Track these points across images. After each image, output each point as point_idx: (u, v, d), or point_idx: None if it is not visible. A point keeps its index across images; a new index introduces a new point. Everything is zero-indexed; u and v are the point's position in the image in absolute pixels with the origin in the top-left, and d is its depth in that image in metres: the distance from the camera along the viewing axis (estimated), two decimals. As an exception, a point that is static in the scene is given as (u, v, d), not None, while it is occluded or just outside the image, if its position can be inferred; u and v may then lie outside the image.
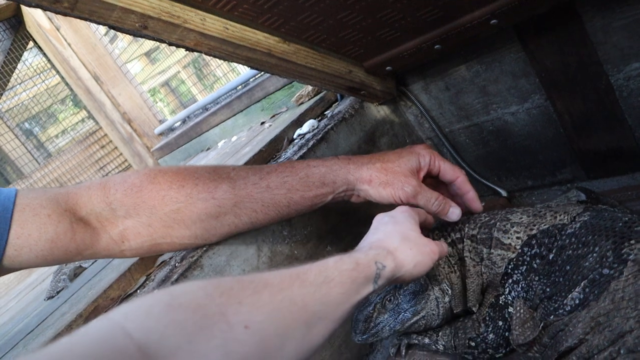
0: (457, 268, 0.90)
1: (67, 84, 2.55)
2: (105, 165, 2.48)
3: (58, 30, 2.29)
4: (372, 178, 0.94)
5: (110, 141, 2.48)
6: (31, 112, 3.00)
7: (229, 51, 0.99)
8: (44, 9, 0.84)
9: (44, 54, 2.46)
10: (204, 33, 0.94)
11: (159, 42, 0.97)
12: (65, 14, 0.86)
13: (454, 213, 0.93)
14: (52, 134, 3.31)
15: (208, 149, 2.00)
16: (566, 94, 1.14)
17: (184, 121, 2.27)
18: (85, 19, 0.88)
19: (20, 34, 2.41)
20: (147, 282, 0.96)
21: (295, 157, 1.10)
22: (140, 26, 0.90)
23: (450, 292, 0.89)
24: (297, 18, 0.95)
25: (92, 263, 1.34)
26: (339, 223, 1.13)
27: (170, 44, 0.98)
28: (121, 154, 2.50)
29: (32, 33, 2.33)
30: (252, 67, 1.08)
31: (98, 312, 0.95)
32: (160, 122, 2.44)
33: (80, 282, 1.22)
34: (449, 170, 0.96)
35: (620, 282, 0.64)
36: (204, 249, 0.91)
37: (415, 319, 0.90)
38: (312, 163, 0.95)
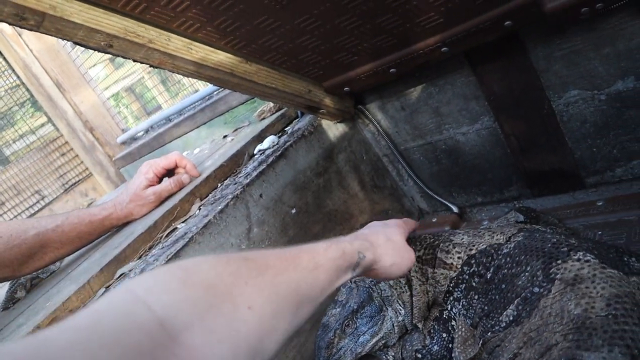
0: (407, 288, 0.95)
1: (27, 89, 2.51)
2: (66, 174, 2.46)
3: (20, 36, 2.26)
4: None
5: (71, 149, 2.46)
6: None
7: (192, 70, 1.03)
8: (11, 24, 0.86)
9: (4, 59, 2.42)
10: (168, 53, 0.98)
11: (124, 58, 1.00)
12: (31, 30, 0.88)
13: None
14: (10, 138, 3.24)
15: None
16: (512, 117, 1.22)
17: (146, 131, 2.27)
18: (52, 35, 0.90)
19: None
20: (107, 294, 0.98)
21: (255, 172, 1.14)
22: (105, 45, 0.93)
23: (403, 311, 0.95)
24: (258, 41, 0.99)
25: (50, 274, 1.33)
26: (296, 236, 1.17)
27: (135, 61, 1.01)
28: (82, 162, 2.48)
29: (-8, 38, 2.30)
30: (215, 85, 1.12)
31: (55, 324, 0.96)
32: (123, 131, 2.43)
33: (37, 293, 1.22)
34: None
35: (549, 299, 0.70)
36: (164, 262, 0.94)
37: (374, 340, 0.95)
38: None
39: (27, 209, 2.30)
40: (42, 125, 2.79)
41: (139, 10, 0.90)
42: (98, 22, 0.90)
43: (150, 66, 1.04)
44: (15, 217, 2.25)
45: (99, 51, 0.98)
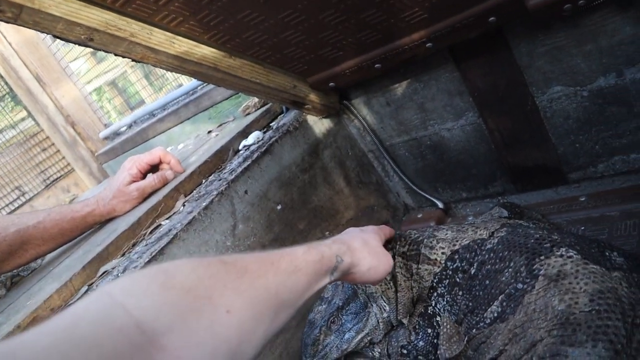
0: (392, 284, 0.95)
1: (6, 83, 2.47)
2: (47, 169, 2.42)
3: (-2, 29, 2.22)
4: None
5: (53, 144, 2.42)
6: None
7: (176, 64, 1.01)
8: (-16, 17, 0.84)
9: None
10: (150, 47, 0.96)
11: (106, 52, 0.98)
12: (8, 22, 0.86)
13: None
14: None
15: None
16: (496, 113, 1.22)
17: (129, 126, 2.24)
18: (30, 28, 0.88)
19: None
20: (89, 292, 0.97)
21: (240, 168, 1.13)
22: (86, 38, 0.91)
23: (387, 307, 0.95)
24: (242, 35, 0.98)
25: (31, 271, 1.31)
26: (281, 233, 1.16)
27: (116, 55, 1.00)
28: (64, 157, 2.44)
29: (-32, 30, 2.25)
30: (199, 80, 1.11)
31: (37, 322, 0.94)
32: (106, 126, 2.40)
33: (18, 292, 1.20)
34: None
35: (532, 295, 0.70)
36: (147, 259, 0.93)
37: (359, 336, 0.95)
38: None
39: (7, 204, 2.26)
40: (23, 119, 2.75)
41: (120, 3, 0.88)
42: (78, 15, 0.88)
43: (132, 60, 1.03)
44: (-5, 213, 2.21)
45: (79, 44, 0.96)
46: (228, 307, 0.48)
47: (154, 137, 2.00)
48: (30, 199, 2.31)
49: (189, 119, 1.83)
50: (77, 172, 2.45)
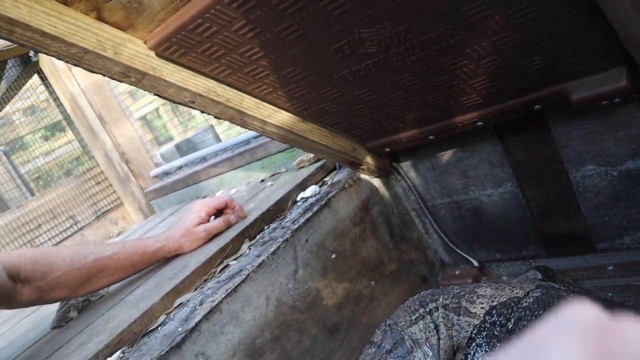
0: (435, 332, 1.07)
1: (66, 117, 2.66)
2: (99, 201, 2.59)
3: (70, 70, 2.43)
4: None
5: (106, 178, 2.59)
6: (19, 133, 3.08)
7: (258, 126, 1.17)
8: (114, 79, 1.01)
9: (50, 91, 2.58)
10: (240, 110, 1.12)
11: (202, 112, 1.14)
12: (129, 84, 1.02)
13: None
14: (27, 158, 3.39)
15: (204, 196, 2.15)
16: (533, 185, 1.35)
17: (180, 167, 2.41)
18: (147, 91, 1.05)
19: (29, 70, 2.54)
20: (167, 320, 1.09)
21: (302, 219, 1.27)
22: (189, 101, 1.07)
23: (430, 353, 1.06)
24: (319, 105, 1.14)
25: (100, 297, 1.44)
26: (334, 280, 1.28)
27: (209, 114, 1.16)
28: (114, 191, 2.61)
29: (44, 70, 2.46)
30: (275, 139, 1.26)
31: (122, 344, 1.07)
32: (156, 165, 2.58)
33: (91, 315, 1.32)
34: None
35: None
36: (224, 295, 1.06)
37: None
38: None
39: (60, 232, 2.42)
40: (66, 144, 2.92)
41: (224, 74, 1.04)
42: (187, 82, 1.04)
43: (216, 117, 1.19)
44: (49, 239, 2.37)
45: (181, 104, 1.12)
46: None
47: (206, 179, 2.16)
48: (81, 228, 2.46)
49: (242, 166, 1.99)
50: (125, 206, 2.61)
